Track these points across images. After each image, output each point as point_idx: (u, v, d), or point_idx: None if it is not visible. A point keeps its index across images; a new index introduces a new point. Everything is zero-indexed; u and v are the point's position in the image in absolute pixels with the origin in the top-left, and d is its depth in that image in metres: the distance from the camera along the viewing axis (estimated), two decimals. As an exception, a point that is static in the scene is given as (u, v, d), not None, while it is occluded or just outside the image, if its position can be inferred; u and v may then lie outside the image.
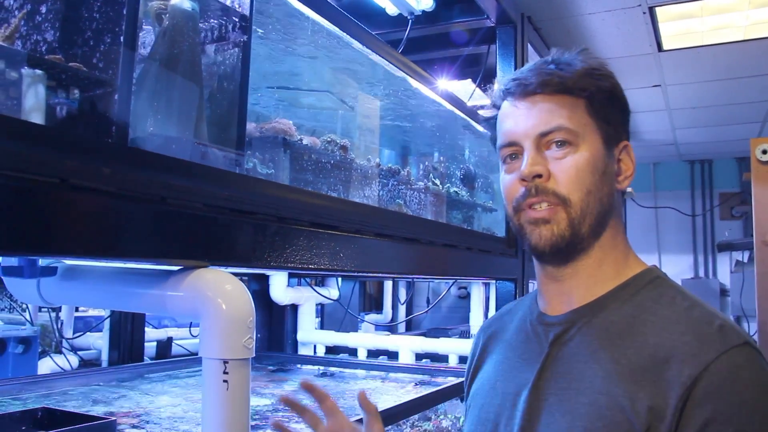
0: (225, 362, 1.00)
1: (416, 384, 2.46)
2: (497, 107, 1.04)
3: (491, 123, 1.07)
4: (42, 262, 1.17)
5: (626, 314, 0.95)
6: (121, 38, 1.01)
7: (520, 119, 0.98)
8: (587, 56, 1.00)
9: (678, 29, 3.31)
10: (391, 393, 2.26)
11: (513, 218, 1.01)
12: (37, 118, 0.88)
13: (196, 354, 3.32)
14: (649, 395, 0.85)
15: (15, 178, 0.77)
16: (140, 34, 1.08)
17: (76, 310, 3.37)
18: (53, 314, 3.09)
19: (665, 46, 3.51)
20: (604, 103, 0.98)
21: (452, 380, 2.41)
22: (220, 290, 1.03)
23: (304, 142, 1.49)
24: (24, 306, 3.26)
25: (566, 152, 0.96)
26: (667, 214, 6.37)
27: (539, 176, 0.95)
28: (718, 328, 0.88)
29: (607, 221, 0.99)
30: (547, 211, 0.96)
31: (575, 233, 0.96)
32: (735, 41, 3.44)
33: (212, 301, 1.02)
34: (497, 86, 1.06)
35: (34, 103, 0.88)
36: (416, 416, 2.35)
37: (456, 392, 2.29)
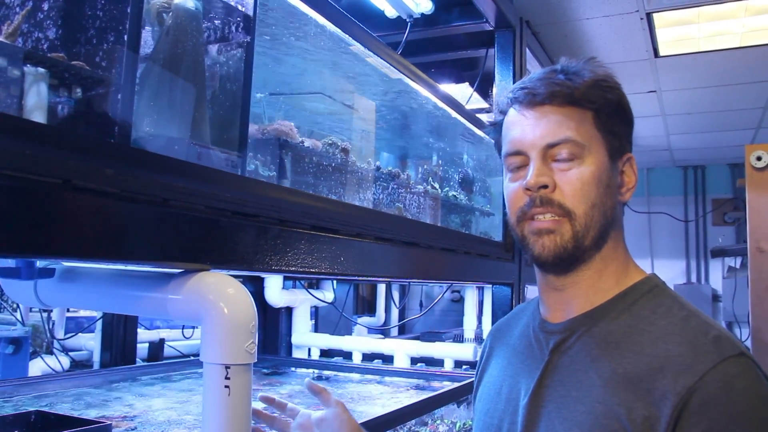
0: (227, 367, 0.98)
1: (412, 388, 2.45)
2: (503, 113, 1.04)
3: (496, 128, 1.06)
4: (39, 263, 1.15)
5: (624, 324, 0.95)
6: (125, 37, 0.99)
7: (527, 129, 0.98)
8: (595, 66, 1.00)
9: (675, 35, 3.32)
10: (387, 397, 2.25)
11: (516, 228, 1.01)
12: (39, 117, 0.86)
13: (189, 356, 3.31)
14: (644, 404, 0.86)
15: (17, 178, 0.75)
16: (143, 33, 1.06)
17: (68, 310, 3.33)
18: (44, 315, 3.06)
19: (662, 52, 3.52)
20: (610, 115, 0.98)
21: (448, 385, 2.40)
22: (222, 294, 1.01)
23: (306, 144, 1.48)
24: (15, 306, 3.22)
25: (572, 164, 0.96)
26: (660, 220, 6.39)
27: (545, 187, 0.96)
28: (714, 339, 0.88)
29: (609, 233, 1.00)
30: (552, 222, 0.96)
31: (578, 246, 0.96)
32: (731, 48, 3.45)
33: (214, 304, 1.00)
34: (501, 92, 1.06)
35: (36, 101, 0.86)
36: (412, 421, 2.34)
37: (453, 397, 2.28)
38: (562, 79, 0.97)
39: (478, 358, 1.21)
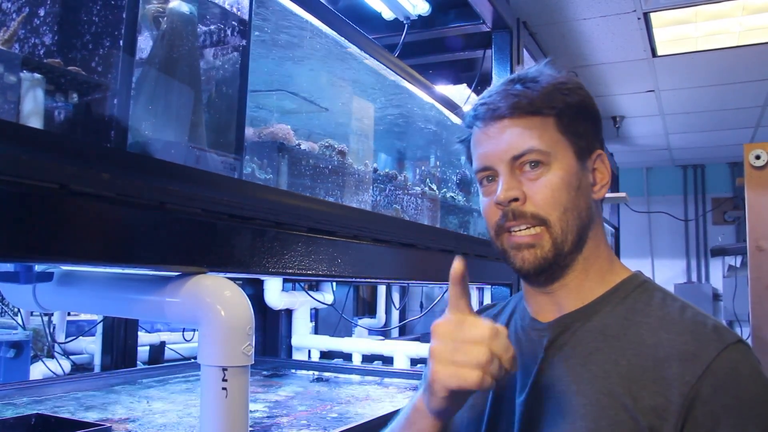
0: (224, 369, 0.99)
1: (412, 389, 2.45)
2: (470, 128, 1.05)
3: (465, 143, 1.07)
4: (38, 267, 1.16)
5: (619, 317, 0.97)
6: (120, 42, 1.00)
7: (491, 144, 0.99)
8: (553, 69, 1.01)
9: (672, 35, 3.33)
10: (387, 399, 2.26)
11: (495, 241, 1.02)
12: (36, 122, 0.87)
13: (190, 358, 3.31)
14: (650, 393, 0.87)
15: (14, 183, 0.76)
16: (138, 37, 1.07)
17: (69, 314, 3.34)
18: (45, 318, 3.06)
19: (659, 52, 3.53)
20: (573, 117, 0.99)
21: (448, 385, 2.40)
22: (218, 296, 1.02)
23: (302, 146, 1.49)
24: (16, 310, 3.23)
25: (540, 173, 0.97)
26: (660, 219, 6.40)
27: (515, 200, 0.96)
28: (714, 328, 0.91)
29: (588, 233, 1.00)
30: (530, 236, 0.97)
31: (559, 253, 0.97)
32: (728, 47, 3.46)
33: (211, 307, 1.01)
34: (467, 109, 1.06)
35: (32, 107, 0.87)
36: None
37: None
38: (520, 89, 0.97)
39: None
